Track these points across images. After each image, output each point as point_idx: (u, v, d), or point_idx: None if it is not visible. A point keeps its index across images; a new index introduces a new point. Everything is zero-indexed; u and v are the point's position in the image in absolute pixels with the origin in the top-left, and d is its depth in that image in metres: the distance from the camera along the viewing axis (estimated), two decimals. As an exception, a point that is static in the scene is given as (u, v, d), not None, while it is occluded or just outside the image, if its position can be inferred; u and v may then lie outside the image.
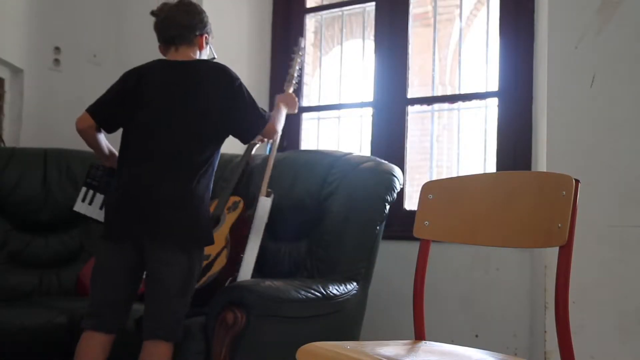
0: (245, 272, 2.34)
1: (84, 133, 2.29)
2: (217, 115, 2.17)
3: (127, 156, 2.19)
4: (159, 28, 2.30)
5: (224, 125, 2.20)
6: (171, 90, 2.19)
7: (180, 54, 2.26)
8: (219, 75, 2.22)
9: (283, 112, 2.49)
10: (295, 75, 2.75)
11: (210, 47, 2.38)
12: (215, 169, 2.22)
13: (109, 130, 2.29)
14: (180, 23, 2.27)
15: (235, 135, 2.25)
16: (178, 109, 2.15)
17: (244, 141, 2.31)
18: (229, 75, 2.23)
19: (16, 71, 3.29)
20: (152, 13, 2.33)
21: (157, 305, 2.07)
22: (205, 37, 2.32)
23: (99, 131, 2.29)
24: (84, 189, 2.42)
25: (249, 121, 2.24)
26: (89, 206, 2.40)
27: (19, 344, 2.28)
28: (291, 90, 2.69)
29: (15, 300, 2.68)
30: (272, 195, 2.48)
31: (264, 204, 2.46)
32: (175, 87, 2.19)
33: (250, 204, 2.74)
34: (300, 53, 2.79)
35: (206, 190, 2.16)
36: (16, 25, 3.26)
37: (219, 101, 2.18)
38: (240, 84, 2.24)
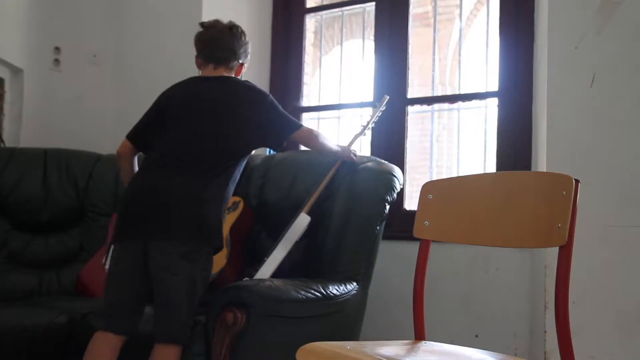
0: (263, 275, 2.34)
1: (123, 157, 2.36)
2: (251, 131, 2.21)
3: (144, 165, 2.23)
4: (206, 43, 2.33)
5: (258, 138, 2.26)
6: (202, 105, 2.22)
7: (216, 73, 2.31)
8: (254, 93, 2.27)
9: (331, 143, 2.47)
10: (368, 126, 2.71)
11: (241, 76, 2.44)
12: (238, 175, 2.25)
13: (146, 151, 2.33)
14: (229, 46, 2.31)
15: (267, 145, 2.34)
16: (211, 123, 2.19)
17: (275, 147, 2.35)
18: (259, 93, 2.29)
19: (16, 71, 3.29)
20: (202, 25, 2.36)
21: (163, 311, 2.08)
22: (244, 65, 2.38)
23: (136, 154, 2.37)
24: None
25: (280, 125, 2.28)
26: None
27: (19, 344, 2.28)
28: (356, 142, 2.66)
29: (15, 300, 2.68)
30: (310, 219, 2.47)
31: (303, 220, 2.46)
32: (208, 102, 2.23)
33: (250, 204, 2.75)
34: (382, 109, 2.74)
35: (219, 193, 2.15)
36: (16, 25, 3.27)
37: (254, 117, 2.22)
38: (272, 99, 2.29)
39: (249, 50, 2.39)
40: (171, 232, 2.07)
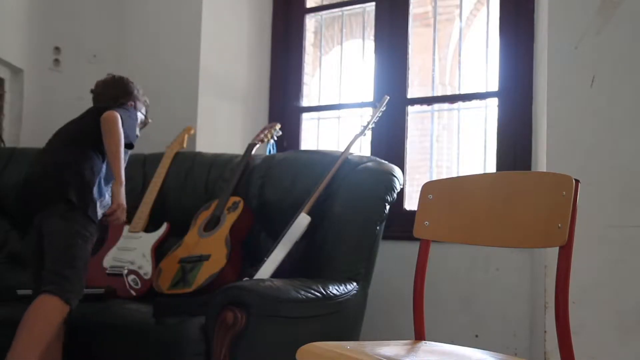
0: (263, 275, 2.34)
1: None
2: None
3: None
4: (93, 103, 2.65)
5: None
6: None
7: None
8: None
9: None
10: (368, 126, 2.72)
11: (139, 112, 2.67)
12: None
13: None
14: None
15: None
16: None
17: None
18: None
19: (16, 71, 3.29)
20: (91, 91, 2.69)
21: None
22: (131, 104, 2.63)
23: None
24: None
25: None
26: None
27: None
28: (356, 142, 2.72)
29: (15, 300, 2.67)
30: (311, 219, 2.47)
31: (303, 220, 2.46)
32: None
33: (250, 204, 2.75)
34: (382, 109, 2.76)
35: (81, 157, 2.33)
36: (16, 25, 3.27)
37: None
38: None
39: (130, 89, 2.67)
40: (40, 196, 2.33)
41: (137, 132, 2.60)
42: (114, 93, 2.62)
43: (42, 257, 2.26)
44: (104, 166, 2.38)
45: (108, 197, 2.39)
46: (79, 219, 2.27)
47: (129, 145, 2.42)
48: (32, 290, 2.32)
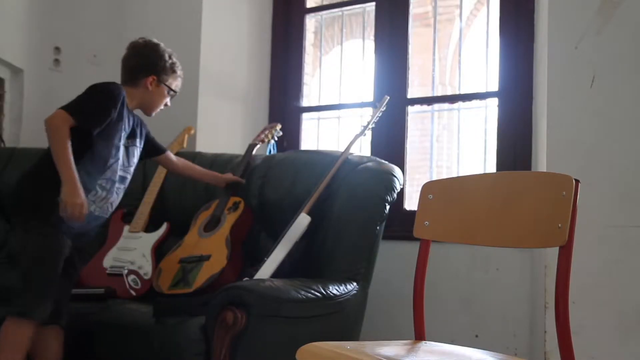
0: (263, 275, 2.34)
1: None
2: None
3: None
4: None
5: None
6: None
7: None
8: None
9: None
10: (368, 126, 2.72)
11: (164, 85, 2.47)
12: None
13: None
14: (127, 65, 2.46)
15: None
16: None
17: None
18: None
19: (16, 71, 3.29)
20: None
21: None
22: (153, 78, 2.43)
23: None
24: None
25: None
26: None
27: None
28: (356, 142, 2.70)
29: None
30: (311, 219, 2.47)
31: (303, 220, 2.45)
32: None
33: (250, 204, 2.75)
34: (382, 109, 2.75)
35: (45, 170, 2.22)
36: (16, 25, 3.26)
37: None
38: (93, 86, 2.34)
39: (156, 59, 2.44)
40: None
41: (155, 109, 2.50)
42: (133, 64, 2.45)
43: None
44: (90, 160, 2.25)
45: (101, 190, 2.28)
46: (40, 227, 2.18)
47: (88, 128, 2.24)
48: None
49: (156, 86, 2.44)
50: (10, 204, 2.31)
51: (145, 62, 2.43)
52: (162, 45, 2.50)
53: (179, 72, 2.52)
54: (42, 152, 2.31)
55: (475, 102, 3.12)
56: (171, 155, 2.67)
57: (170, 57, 2.48)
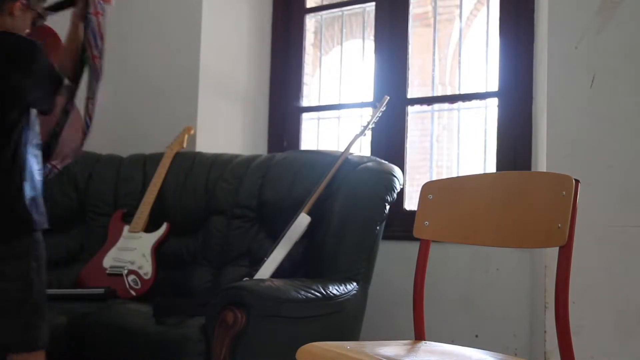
0: (263, 275, 2.34)
1: None
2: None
3: None
4: None
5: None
6: None
7: None
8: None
9: None
10: (368, 126, 2.69)
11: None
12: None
13: None
14: None
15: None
16: None
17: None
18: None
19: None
20: None
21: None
22: (21, 3, 2.04)
23: None
24: None
25: None
26: None
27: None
28: (356, 142, 2.64)
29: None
30: (311, 219, 2.46)
31: (303, 220, 2.45)
32: None
33: (250, 203, 2.75)
34: (382, 109, 2.74)
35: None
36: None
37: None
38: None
39: None
40: None
41: None
42: None
43: None
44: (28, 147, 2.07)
45: (37, 165, 2.12)
46: (19, 248, 2.07)
47: None
48: None
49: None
50: None
51: None
52: None
53: None
54: None
55: (475, 102, 3.12)
56: None
57: None
